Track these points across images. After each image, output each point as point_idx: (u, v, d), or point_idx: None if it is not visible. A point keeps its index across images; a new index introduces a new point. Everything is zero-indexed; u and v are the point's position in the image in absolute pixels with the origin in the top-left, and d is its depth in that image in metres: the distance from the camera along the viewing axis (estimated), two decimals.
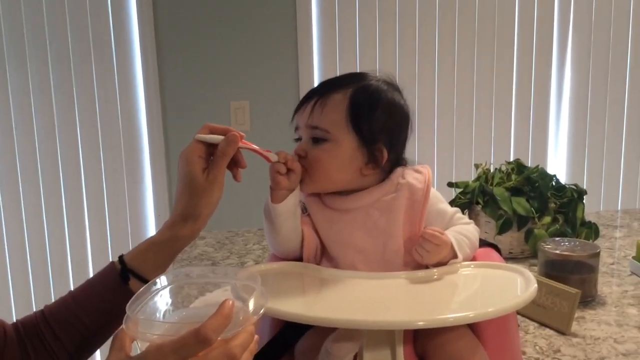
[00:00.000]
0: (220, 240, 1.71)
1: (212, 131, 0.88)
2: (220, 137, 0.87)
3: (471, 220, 0.98)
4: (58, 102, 2.46)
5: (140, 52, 2.45)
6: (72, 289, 0.90)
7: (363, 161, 0.92)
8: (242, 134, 0.88)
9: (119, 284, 0.87)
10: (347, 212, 0.93)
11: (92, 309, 0.86)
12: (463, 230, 0.94)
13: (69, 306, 0.86)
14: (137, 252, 0.89)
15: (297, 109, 0.95)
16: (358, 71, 0.98)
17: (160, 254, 0.88)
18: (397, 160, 0.96)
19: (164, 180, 2.54)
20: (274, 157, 0.90)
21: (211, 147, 0.87)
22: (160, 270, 0.89)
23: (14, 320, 0.88)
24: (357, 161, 0.92)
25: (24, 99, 2.44)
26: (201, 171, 0.86)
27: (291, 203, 0.91)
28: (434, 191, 0.95)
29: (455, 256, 0.90)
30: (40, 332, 0.85)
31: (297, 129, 0.95)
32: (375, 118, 0.92)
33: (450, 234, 0.91)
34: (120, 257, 0.89)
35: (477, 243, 0.96)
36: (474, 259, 0.96)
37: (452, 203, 1.51)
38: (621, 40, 2.72)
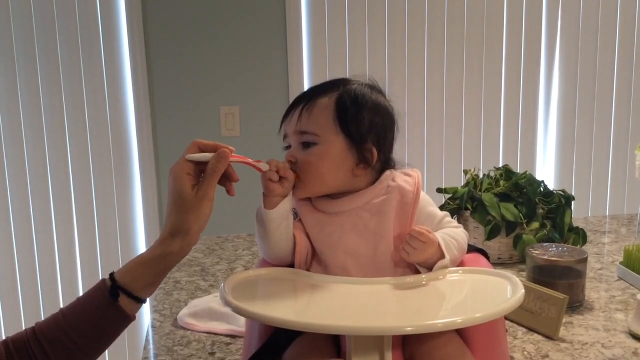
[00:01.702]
0: (210, 246, 1.70)
1: (202, 148, 0.88)
2: (210, 155, 0.86)
3: (460, 225, 0.99)
4: (46, 106, 2.44)
5: (130, 56, 2.45)
6: (61, 304, 0.90)
7: (354, 162, 0.93)
8: (232, 148, 0.88)
9: (109, 301, 0.86)
10: (337, 214, 0.94)
11: (82, 326, 0.85)
12: (451, 232, 0.95)
13: (59, 323, 0.86)
14: (128, 269, 0.88)
15: (284, 118, 0.96)
16: (340, 77, 0.99)
17: (150, 270, 0.87)
18: (387, 160, 0.97)
19: (153, 186, 2.53)
20: (265, 167, 0.90)
21: (201, 164, 0.87)
22: (151, 286, 0.89)
23: (4, 337, 0.87)
24: (348, 162, 0.93)
25: (11, 107, 2.42)
26: (190, 188, 0.86)
27: (284, 209, 0.91)
28: (423, 194, 0.96)
29: (442, 256, 0.91)
30: (30, 349, 0.84)
31: (285, 137, 0.96)
32: (362, 118, 0.93)
33: (438, 234, 0.92)
34: (111, 275, 0.89)
35: (465, 246, 0.96)
36: (462, 263, 0.96)
37: (442, 208, 1.51)
38: (609, 47, 2.74)
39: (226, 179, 0.90)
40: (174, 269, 1.51)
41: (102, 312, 0.86)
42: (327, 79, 1.00)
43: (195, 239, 0.88)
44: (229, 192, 0.91)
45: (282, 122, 0.96)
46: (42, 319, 0.88)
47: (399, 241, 0.91)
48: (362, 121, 0.93)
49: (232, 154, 0.88)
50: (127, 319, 0.88)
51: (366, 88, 0.96)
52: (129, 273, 0.87)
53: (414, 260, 0.90)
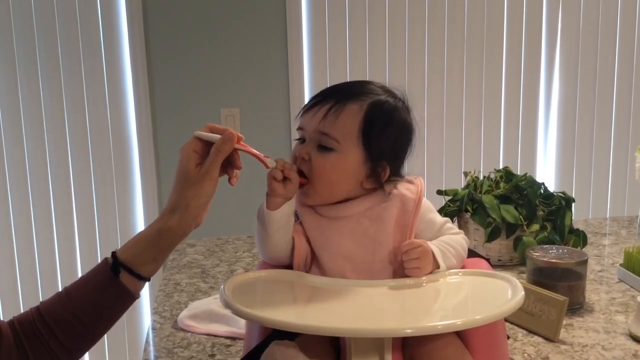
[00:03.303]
0: (210, 248, 1.70)
1: (213, 130, 0.89)
2: (218, 136, 0.88)
3: (460, 231, 0.99)
4: (47, 106, 2.44)
5: (130, 58, 2.45)
6: (59, 289, 0.91)
7: (365, 175, 0.92)
8: (241, 135, 0.89)
9: (111, 278, 0.87)
10: (337, 219, 0.93)
11: (86, 304, 0.87)
12: (447, 239, 0.94)
13: (63, 303, 0.87)
14: (129, 245, 0.90)
15: (307, 110, 0.93)
16: (374, 81, 0.97)
17: (150, 247, 0.89)
18: (395, 174, 0.96)
19: (153, 187, 2.53)
20: (272, 163, 0.90)
21: (210, 146, 0.89)
22: (153, 264, 0.89)
23: (8, 319, 0.89)
24: (359, 175, 0.92)
25: (12, 104, 2.42)
26: (194, 165, 0.88)
27: (286, 211, 0.91)
28: (425, 200, 0.95)
29: (438, 265, 0.91)
30: (37, 329, 0.86)
31: (301, 129, 0.94)
32: (386, 137, 0.92)
33: (432, 244, 0.92)
34: (113, 252, 0.90)
35: (464, 253, 0.96)
36: (463, 267, 0.96)
37: (442, 210, 1.52)
38: (609, 49, 2.74)
39: (230, 166, 0.91)
40: (174, 270, 1.52)
41: (105, 289, 0.87)
42: (328, 82, 1.00)
43: (195, 215, 0.88)
44: (230, 179, 0.92)
45: (302, 112, 0.94)
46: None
47: (399, 249, 0.91)
48: (385, 139, 0.92)
49: (241, 143, 0.89)
50: (130, 296, 0.89)
51: (398, 103, 0.95)
52: (129, 249, 0.89)
53: (425, 273, 0.90)
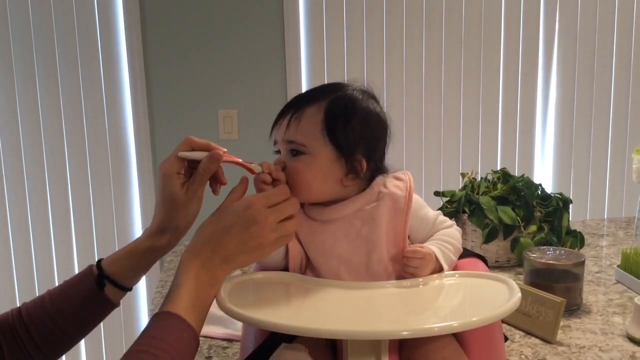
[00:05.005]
0: None
1: (194, 146, 0.88)
2: (203, 154, 0.86)
3: (452, 222, 0.99)
4: (44, 108, 2.44)
5: (128, 59, 2.45)
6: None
7: (343, 172, 0.91)
8: (225, 149, 0.88)
9: (95, 290, 0.88)
10: (329, 222, 0.93)
11: (68, 311, 0.88)
12: (445, 237, 0.94)
13: (45, 307, 0.88)
14: (115, 258, 0.90)
15: (275, 124, 0.94)
16: (333, 82, 0.98)
17: (138, 262, 0.90)
18: (378, 169, 0.95)
19: (151, 188, 2.53)
20: (257, 169, 0.89)
21: (191, 162, 0.88)
22: (137, 276, 0.92)
23: None
24: (336, 172, 0.91)
25: (9, 108, 2.42)
26: (180, 186, 0.87)
27: None
28: (415, 197, 0.94)
29: (441, 268, 0.91)
30: (15, 331, 0.87)
31: (275, 142, 0.95)
32: (351, 129, 0.91)
33: (433, 245, 0.92)
34: (99, 263, 0.90)
35: (460, 245, 0.96)
36: (460, 268, 0.96)
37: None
38: (606, 50, 2.74)
39: (215, 181, 0.90)
40: (171, 272, 1.51)
41: (88, 300, 0.88)
42: (326, 83, 0.99)
43: (184, 234, 0.90)
44: (214, 191, 0.92)
45: (272, 128, 0.95)
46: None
47: (394, 251, 0.91)
48: (351, 132, 0.91)
49: (225, 154, 0.88)
50: (111, 306, 0.91)
51: (358, 95, 0.93)
52: (116, 263, 0.90)
53: (422, 277, 0.90)
